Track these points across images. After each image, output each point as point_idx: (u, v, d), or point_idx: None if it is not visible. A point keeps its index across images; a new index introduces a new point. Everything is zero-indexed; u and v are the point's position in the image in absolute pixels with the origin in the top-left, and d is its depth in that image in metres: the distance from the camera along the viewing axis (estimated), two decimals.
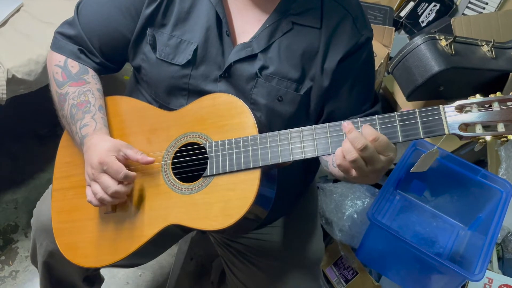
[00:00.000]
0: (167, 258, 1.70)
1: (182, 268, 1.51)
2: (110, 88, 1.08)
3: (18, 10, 1.62)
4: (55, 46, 1.03)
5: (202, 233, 1.31)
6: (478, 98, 0.75)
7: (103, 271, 1.33)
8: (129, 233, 0.92)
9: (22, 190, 1.81)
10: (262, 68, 0.94)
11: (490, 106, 0.73)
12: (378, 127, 0.78)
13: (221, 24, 0.94)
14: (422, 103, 1.67)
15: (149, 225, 0.90)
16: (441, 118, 0.74)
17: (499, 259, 1.55)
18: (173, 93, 0.98)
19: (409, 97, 1.53)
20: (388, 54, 1.72)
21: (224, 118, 0.90)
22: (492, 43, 1.59)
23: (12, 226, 1.71)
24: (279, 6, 0.94)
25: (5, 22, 1.58)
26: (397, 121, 0.77)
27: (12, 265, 1.62)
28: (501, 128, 0.72)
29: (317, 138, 0.82)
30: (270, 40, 0.93)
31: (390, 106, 1.76)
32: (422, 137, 0.76)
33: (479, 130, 0.73)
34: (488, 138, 0.73)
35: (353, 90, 0.97)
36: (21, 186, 1.82)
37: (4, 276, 1.59)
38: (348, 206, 1.51)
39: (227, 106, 0.90)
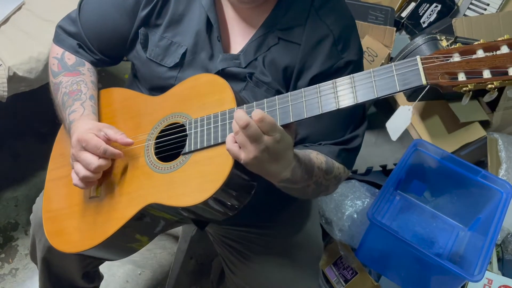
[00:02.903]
0: (167, 257, 1.70)
1: (182, 267, 1.51)
2: (111, 87, 1.09)
3: (19, 8, 1.62)
4: (56, 39, 1.07)
5: (201, 229, 1.31)
6: (460, 46, 0.71)
7: (102, 270, 1.33)
8: (110, 215, 0.92)
9: (23, 188, 1.81)
10: (252, 74, 0.94)
11: (475, 53, 0.69)
12: (354, 85, 0.75)
13: (212, 29, 0.95)
14: (424, 104, 1.67)
15: (129, 206, 0.90)
16: (418, 68, 0.71)
17: (498, 260, 1.55)
18: (162, 90, 0.99)
19: (410, 97, 1.53)
20: (389, 54, 1.72)
21: (204, 96, 0.89)
22: None
23: (12, 224, 1.72)
24: (267, 20, 0.94)
25: (6, 20, 1.58)
26: (372, 77, 0.74)
27: (12, 263, 1.62)
28: (487, 74, 0.68)
29: (292, 104, 0.79)
30: (255, 54, 0.94)
31: (390, 105, 1.76)
32: (398, 89, 0.72)
33: (461, 78, 0.69)
34: (471, 86, 0.69)
35: (323, 118, 0.80)
36: (21, 184, 1.82)
37: (4, 273, 1.60)
38: (348, 206, 1.51)
39: (208, 85, 0.90)
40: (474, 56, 0.70)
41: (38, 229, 1.08)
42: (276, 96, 0.80)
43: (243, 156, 0.74)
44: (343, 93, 0.75)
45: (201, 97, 0.90)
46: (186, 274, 1.64)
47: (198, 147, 0.86)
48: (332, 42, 0.92)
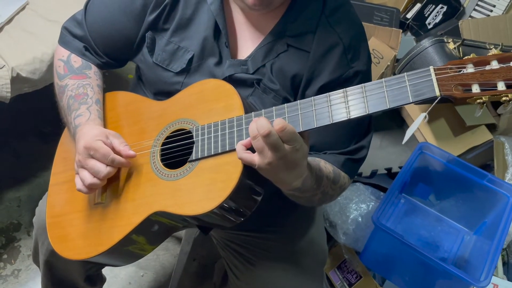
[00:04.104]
0: (169, 259, 1.70)
1: (185, 269, 1.50)
2: (114, 87, 1.10)
3: (23, 8, 1.62)
4: (62, 41, 1.05)
5: (204, 233, 1.30)
6: (473, 56, 0.69)
7: (105, 271, 1.33)
8: (115, 222, 0.91)
9: (25, 188, 1.81)
10: (260, 80, 0.93)
11: (489, 64, 0.68)
12: (365, 95, 0.73)
13: (220, 35, 0.94)
14: (429, 106, 1.65)
15: (134, 213, 0.89)
16: (431, 79, 0.70)
17: (504, 264, 1.54)
18: (168, 95, 0.98)
19: None
20: (395, 56, 1.71)
21: (211, 102, 0.88)
22: (500, 46, 1.57)
23: (14, 225, 1.71)
24: (277, 26, 0.93)
25: (10, 20, 1.57)
26: (384, 87, 0.73)
27: (14, 264, 1.62)
28: (501, 86, 0.67)
29: (302, 113, 0.78)
30: (263, 60, 0.93)
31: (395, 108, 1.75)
32: (411, 101, 0.71)
33: (476, 90, 0.68)
34: (485, 98, 0.67)
35: (330, 127, 0.78)
36: (24, 184, 1.81)
37: (6, 274, 1.59)
38: (352, 209, 1.50)
39: (215, 91, 0.88)
40: (488, 67, 0.68)
41: (41, 232, 1.07)
42: (286, 104, 0.78)
43: (258, 161, 0.73)
44: (354, 102, 0.74)
45: (208, 103, 0.89)
46: (188, 276, 1.63)
47: (206, 155, 0.84)
48: (342, 51, 0.91)
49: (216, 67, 0.95)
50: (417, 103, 0.73)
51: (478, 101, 0.69)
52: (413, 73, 0.71)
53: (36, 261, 1.20)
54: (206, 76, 0.95)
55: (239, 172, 0.80)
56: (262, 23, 0.94)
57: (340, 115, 0.74)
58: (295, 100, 0.93)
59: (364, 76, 0.93)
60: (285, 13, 0.92)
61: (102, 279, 1.33)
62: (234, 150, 0.81)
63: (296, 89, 0.94)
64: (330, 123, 0.75)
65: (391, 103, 0.72)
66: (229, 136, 0.83)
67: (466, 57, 0.70)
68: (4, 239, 1.67)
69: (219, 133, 0.84)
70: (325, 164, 0.89)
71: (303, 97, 0.93)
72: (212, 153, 0.84)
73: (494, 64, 0.68)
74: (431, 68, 0.70)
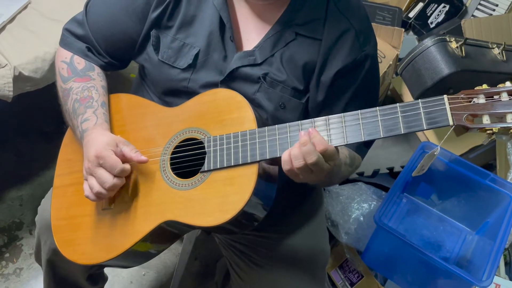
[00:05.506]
0: (171, 258, 1.70)
1: (186, 268, 1.50)
2: (116, 86, 1.09)
3: (26, 7, 1.62)
4: (63, 43, 1.05)
5: (207, 233, 1.30)
6: (485, 87, 0.72)
7: (106, 270, 1.33)
8: (125, 229, 0.91)
9: (28, 187, 1.81)
10: (266, 74, 0.93)
11: (499, 96, 0.71)
12: (379, 118, 0.76)
13: (225, 29, 0.94)
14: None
15: (145, 221, 0.89)
16: (445, 108, 0.72)
17: (506, 264, 1.54)
18: (174, 93, 0.98)
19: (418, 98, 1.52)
20: (397, 55, 1.71)
21: (223, 113, 0.89)
22: (503, 45, 1.57)
23: (16, 223, 1.72)
24: (283, 16, 0.93)
25: (12, 19, 1.57)
26: (399, 112, 0.75)
27: (16, 263, 1.62)
28: (510, 119, 0.69)
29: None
30: (272, 50, 0.93)
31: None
32: (425, 128, 0.73)
33: (486, 121, 0.70)
34: (495, 129, 0.70)
35: (347, 110, 0.84)
36: (26, 183, 1.82)
37: (8, 273, 1.59)
38: (354, 209, 1.50)
39: (227, 101, 0.89)
40: (497, 98, 0.71)
41: (44, 231, 1.07)
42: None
43: (301, 178, 0.79)
44: (368, 126, 0.76)
45: (220, 113, 0.89)
46: (190, 275, 1.63)
47: (218, 166, 0.85)
48: (354, 35, 0.93)
49: (223, 62, 0.95)
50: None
51: (488, 132, 0.71)
52: (427, 100, 0.74)
53: (38, 259, 1.20)
54: (213, 71, 0.95)
55: (252, 186, 0.81)
56: (266, 14, 0.94)
57: (356, 137, 0.78)
58: (305, 88, 0.94)
59: (372, 60, 0.96)
60: (291, 2, 0.93)
61: (104, 278, 1.33)
62: (247, 163, 0.83)
63: (307, 77, 0.94)
64: (345, 143, 0.79)
65: (405, 129, 0.74)
66: (242, 149, 0.84)
67: (478, 87, 0.73)
68: (6, 238, 1.67)
69: (232, 145, 0.85)
70: (341, 150, 0.91)
71: (318, 84, 0.94)
72: (225, 165, 0.85)
73: (504, 96, 0.70)
74: (445, 96, 0.73)
